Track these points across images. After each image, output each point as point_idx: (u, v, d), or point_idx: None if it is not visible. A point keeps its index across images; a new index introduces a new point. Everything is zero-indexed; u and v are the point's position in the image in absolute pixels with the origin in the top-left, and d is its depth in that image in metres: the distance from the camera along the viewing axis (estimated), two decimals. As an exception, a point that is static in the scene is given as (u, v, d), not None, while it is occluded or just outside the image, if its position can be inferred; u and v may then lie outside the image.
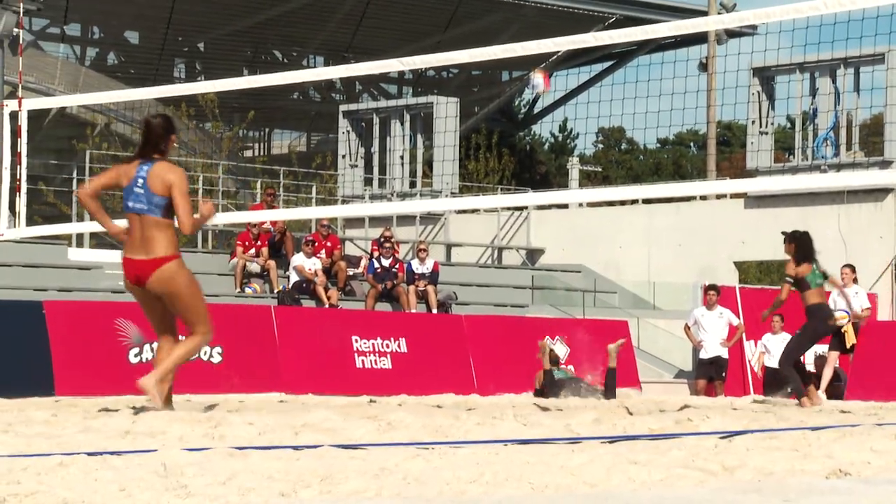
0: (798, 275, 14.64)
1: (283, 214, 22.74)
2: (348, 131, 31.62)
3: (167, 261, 9.05)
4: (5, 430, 7.12)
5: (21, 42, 14.15)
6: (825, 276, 15.09)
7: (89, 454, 5.33)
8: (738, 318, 20.79)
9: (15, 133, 12.07)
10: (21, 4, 16.15)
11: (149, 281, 9.04)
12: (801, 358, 15.75)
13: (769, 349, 20.61)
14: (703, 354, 20.58)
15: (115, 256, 22.72)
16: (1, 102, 15.47)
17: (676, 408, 11.52)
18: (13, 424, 7.62)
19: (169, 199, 9.03)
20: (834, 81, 27.76)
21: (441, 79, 49.87)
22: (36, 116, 12.51)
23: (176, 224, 9.15)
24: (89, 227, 22.52)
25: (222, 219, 24.66)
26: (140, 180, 9.13)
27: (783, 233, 15.19)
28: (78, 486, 4.41)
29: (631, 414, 10.07)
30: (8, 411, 9.41)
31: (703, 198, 29.54)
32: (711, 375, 20.38)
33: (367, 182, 31.54)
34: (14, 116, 12.10)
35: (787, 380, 14.86)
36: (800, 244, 14.77)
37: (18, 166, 12.05)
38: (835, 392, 18.18)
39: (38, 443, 6.23)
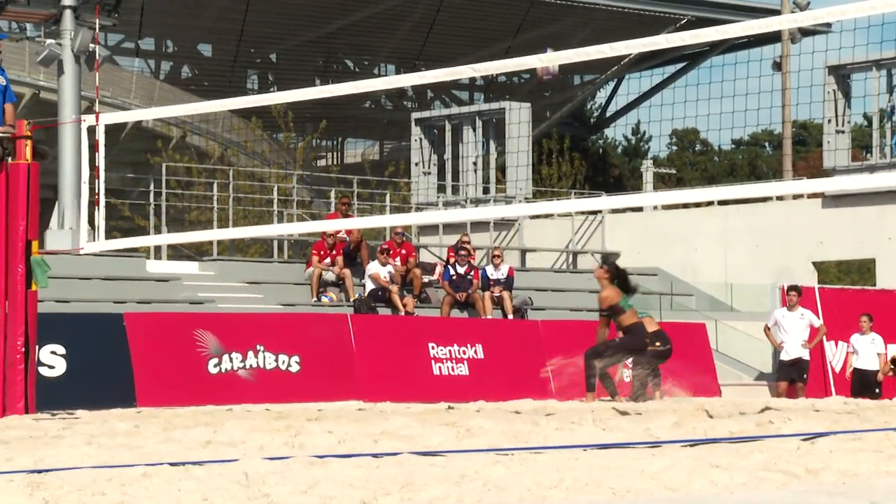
0: (610, 304, 15.69)
1: (357, 223, 22.80)
2: (421, 138, 31.68)
3: None
4: (89, 441, 7.19)
5: (97, 57, 14.27)
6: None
7: (172, 464, 5.37)
8: (819, 318, 20.61)
9: (92, 147, 12.18)
10: (97, 20, 16.30)
11: None
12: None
13: (857, 350, 20.44)
14: (784, 356, 20.41)
15: (192, 268, 22.93)
16: (78, 117, 15.67)
17: (757, 410, 11.43)
18: (96, 436, 7.70)
19: None
20: (911, 78, 27.47)
21: (512, 84, 49.79)
22: (112, 131, 12.63)
23: None
24: (167, 239, 22.75)
25: (298, 228, 24.80)
26: None
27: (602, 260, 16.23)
28: (161, 497, 4.45)
29: (711, 417, 10.00)
30: (91, 423, 9.50)
31: (780, 198, 29.30)
32: (793, 377, 20.20)
33: (441, 189, 31.59)
34: (91, 131, 12.22)
35: (586, 370, 15.23)
36: (614, 275, 15.98)
37: (96, 180, 12.15)
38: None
39: (121, 454, 6.29)
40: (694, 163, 60.78)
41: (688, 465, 5.49)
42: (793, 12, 36.62)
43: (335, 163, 49.82)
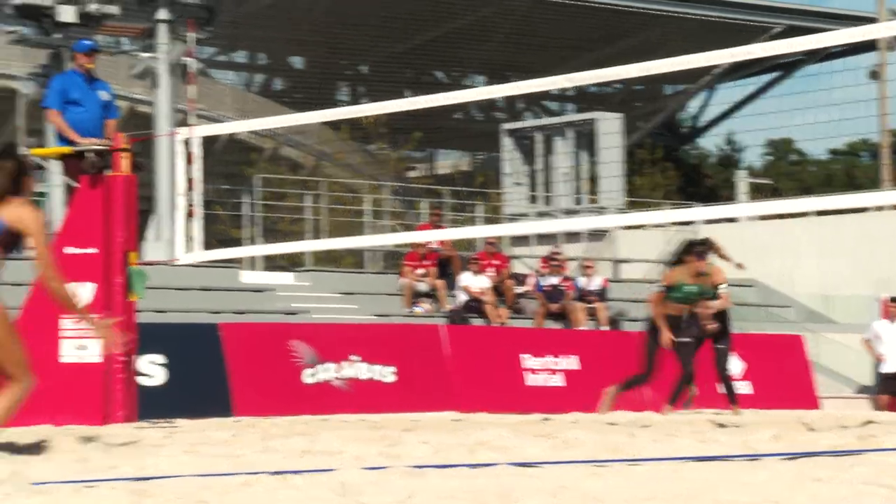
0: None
1: (449, 234, 22.87)
2: (512, 149, 31.71)
3: None
4: (188, 450, 7.26)
5: (191, 70, 14.44)
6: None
7: (271, 473, 5.41)
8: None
9: (188, 159, 12.33)
10: (190, 34, 16.48)
11: None
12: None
13: None
14: (886, 368, 20.22)
15: (287, 278, 23.10)
16: (174, 130, 15.84)
17: (859, 423, 11.32)
18: (195, 445, 7.77)
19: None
20: None
21: (603, 94, 49.69)
22: (207, 143, 12.76)
23: None
24: (261, 250, 22.94)
25: (390, 239, 24.85)
26: None
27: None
28: (262, 506, 4.49)
29: (811, 430, 9.93)
30: (189, 432, 9.60)
31: (879, 208, 28.97)
32: (894, 390, 19.99)
33: (532, 199, 31.58)
34: (186, 143, 12.36)
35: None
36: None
37: (191, 192, 12.29)
38: None
39: (220, 463, 6.35)
40: (789, 173, 60.25)
41: (789, 479, 5.46)
42: (889, 20, 36.24)
43: (426, 174, 50.00)
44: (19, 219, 7.50)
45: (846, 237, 28.29)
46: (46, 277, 7.57)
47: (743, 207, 27.18)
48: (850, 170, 58.68)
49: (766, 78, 51.60)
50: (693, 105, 54.61)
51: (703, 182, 52.25)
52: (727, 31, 43.28)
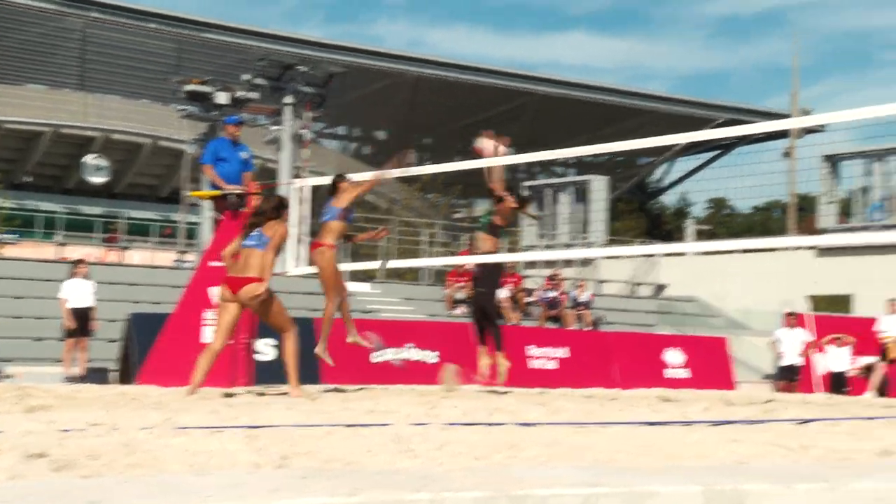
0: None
1: (480, 259, 22.76)
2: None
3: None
4: (289, 407, 7.25)
5: (306, 139, 14.49)
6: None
7: (346, 426, 5.39)
8: (811, 336, 20.17)
9: (299, 202, 12.37)
10: (307, 113, 16.57)
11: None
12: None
13: (831, 358, 20.04)
14: (783, 362, 20.02)
15: (365, 287, 23.06)
16: (291, 181, 15.89)
17: (764, 401, 11.19)
18: (295, 404, 7.76)
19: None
20: (885, 165, 26.86)
21: (595, 163, 49.61)
22: (314, 190, 12.79)
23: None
24: (350, 266, 22.90)
25: (439, 262, 24.80)
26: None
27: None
28: (339, 448, 4.46)
29: (731, 405, 9.81)
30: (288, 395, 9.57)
31: (785, 249, 28.79)
32: (789, 378, 19.79)
33: (541, 236, 31.48)
34: (300, 190, 12.41)
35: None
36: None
37: (301, 225, 12.32)
38: (882, 392, 17.47)
39: (313, 417, 6.33)
40: (723, 222, 59.86)
41: (714, 440, 5.38)
42: (799, 116, 35.96)
43: (467, 215, 49.95)
44: (274, 232, 8.90)
45: (762, 269, 28.09)
46: (267, 251, 8.84)
47: (690, 245, 27.05)
48: (766, 222, 58.24)
49: (710, 154, 51.38)
50: (658, 172, 54.45)
51: (663, 227, 51.97)
52: (684, 121, 43.19)
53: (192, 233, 31.47)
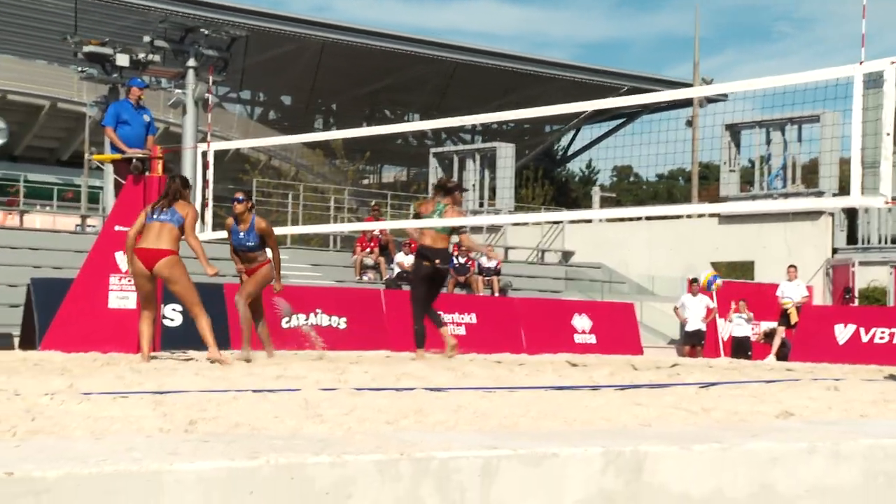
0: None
1: (387, 225, 22.78)
2: (437, 167, 31.67)
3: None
4: (196, 373, 7.18)
5: (210, 103, 14.27)
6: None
7: (254, 391, 5.36)
8: (713, 302, 20.59)
9: (204, 166, 12.19)
10: (210, 77, 16.35)
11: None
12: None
13: (735, 323, 20.52)
14: (688, 328, 20.42)
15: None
16: (195, 145, 15.65)
17: (668, 365, 11.41)
18: (202, 370, 7.69)
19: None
20: (783, 134, 27.43)
21: (502, 130, 49.78)
22: (218, 155, 12.61)
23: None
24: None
25: (346, 227, 24.65)
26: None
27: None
28: (246, 413, 4.44)
29: (636, 369, 9.99)
30: (198, 360, 9.49)
31: (689, 216, 29.29)
32: (694, 343, 20.21)
33: (450, 203, 31.51)
34: (204, 155, 12.23)
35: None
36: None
37: (206, 189, 12.14)
38: (782, 356, 17.95)
39: (218, 383, 6.28)
40: (629, 189, 60.68)
41: (618, 403, 5.46)
42: (701, 85, 36.52)
43: (375, 182, 49.83)
44: (186, 212, 9.37)
45: (666, 235, 28.55)
46: (189, 236, 9.33)
47: (596, 213, 27.33)
48: (671, 189, 59.19)
49: (615, 122, 51.91)
50: (564, 139, 54.87)
51: (570, 194, 52.47)
52: (590, 89, 43.49)
53: (94, 197, 30.82)
